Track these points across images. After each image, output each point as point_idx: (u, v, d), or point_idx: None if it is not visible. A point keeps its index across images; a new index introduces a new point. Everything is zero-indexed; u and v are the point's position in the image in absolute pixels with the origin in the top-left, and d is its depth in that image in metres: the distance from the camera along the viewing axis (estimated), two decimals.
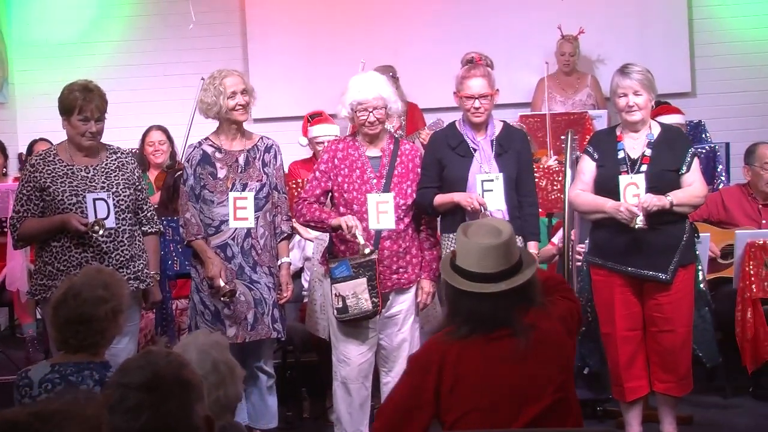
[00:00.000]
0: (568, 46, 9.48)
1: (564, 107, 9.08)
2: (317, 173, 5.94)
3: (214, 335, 3.88)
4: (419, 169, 5.94)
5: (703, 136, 8.97)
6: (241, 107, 5.95)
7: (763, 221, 7.27)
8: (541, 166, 7.44)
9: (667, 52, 9.86)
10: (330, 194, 5.91)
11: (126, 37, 10.31)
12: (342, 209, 5.82)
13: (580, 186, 5.87)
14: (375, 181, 5.84)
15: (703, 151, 8.04)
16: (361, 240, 5.64)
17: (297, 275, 7.14)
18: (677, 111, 8.21)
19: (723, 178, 8.22)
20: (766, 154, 7.41)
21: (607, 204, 5.65)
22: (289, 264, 6.17)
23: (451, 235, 5.74)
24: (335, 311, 5.78)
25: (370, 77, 6.00)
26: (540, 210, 6.50)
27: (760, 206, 7.38)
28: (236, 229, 5.91)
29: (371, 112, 5.79)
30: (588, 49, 9.95)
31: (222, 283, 5.78)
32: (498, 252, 3.79)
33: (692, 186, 5.72)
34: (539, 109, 9.21)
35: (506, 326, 3.74)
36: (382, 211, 5.76)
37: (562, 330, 3.85)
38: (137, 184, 5.93)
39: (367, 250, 5.65)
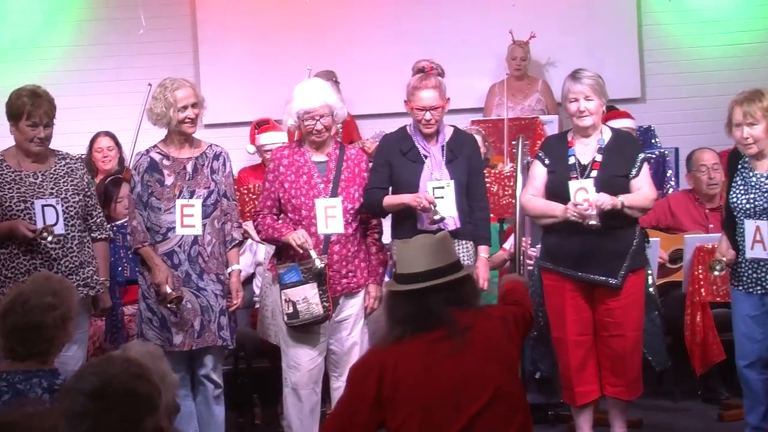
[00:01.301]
0: (519, 50, 9.50)
1: (513, 112, 9.10)
2: (266, 183, 5.94)
3: (149, 345, 3.87)
4: (365, 174, 5.95)
5: (653, 141, 9.03)
6: (190, 121, 5.92)
7: (710, 226, 7.33)
8: (494, 171, 7.46)
9: (617, 58, 9.90)
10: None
11: (75, 41, 10.20)
12: (290, 215, 5.83)
13: (531, 191, 5.89)
14: (322, 186, 5.83)
15: (653, 156, 8.09)
16: (314, 255, 5.66)
17: (249, 280, 7.12)
18: (627, 116, 8.26)
19: (672, 183, 8.29)
20: (700, 158, 7.50)
21: (558, 209, 5.67)
22: (240, 272, 6.14)
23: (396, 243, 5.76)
24: (285, 317, 5.77)
25: (316, 85, 6.00)
26: (491, 215, 6.51)
27: (707, 211, 7.44)
28: (183, 236, 5.88)
29: (318, 120, 5.79)
30: (538, 55, 9.99)
31: (169, 290, 5.75)
32: (427, 250, 3.83)
33: (641, 190, 5.76)
34: (491, 115, 9.23)
35: (441, 327, 3.74)
36: (331, 216, 5.76)
37: (502, 329, 3.86)
38: (86, 190, 5.89)
39: (320, 265, 5.66)
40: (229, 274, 6.02)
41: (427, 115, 5.84)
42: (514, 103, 9.30)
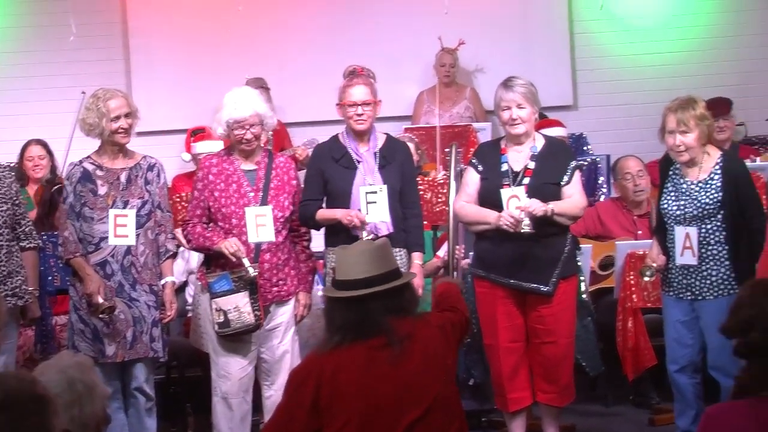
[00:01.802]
0: (448, 57, 9.52)
1: (442, 120, 9.13)
2: (195, 192, 5.92)
3: (78, 356, 3.82)
4: (294, 182, 5.95)
5: (585, 148, 9.10)
6: (123, 131, 5.88)
7: (639, 232, 7.39)
8: (427, 179, 7.47)
9: (550, 66, 9.97)
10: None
11: (4, 49, 10.08)
12: (221, 224, 5.80)
13: (464, 198, 5.90)
14: (252, 194, 5.81)
15: (585, 163, 8.15)
16: (246, 263, 5.64)
17: (181, 289, 7.07)
18: (559, 124, 8.32)
19: (604, 190, 8.35)
20: (625, 166, 7.56)
21: (490, 216, 5.68)
22: (174, 283, 6.11)
23: (335, 250, 5.74)
24: (216, 326, 5.74)
25: (245, 94, 5.97)
26: (425, 223, 6.52)
27: (635, 218, 7.50)
28: (116, 246, 5.83)
29: (248, 129, 5.77)
30: (470, 62, 10.03)
31: (100, 300, 5.69)
32: (367, 257, 3.82)
33: (572, 197, 5.79)
34: (419, 122, 9.24)
35: (380, 334, 3.73)
36: (261, 224, 5.74)
37: (441, 337, 3.85)
38: (14, 198, 5.82)
39: (253, 273, 5.64)
40: (163, 285, 5.98)
41: (359, 110, 5.86)
42: (443, 110, 9.32)
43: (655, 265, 5.83)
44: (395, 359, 3.70)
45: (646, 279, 5.93)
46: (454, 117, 9.26)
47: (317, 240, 6.09)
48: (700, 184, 5.70)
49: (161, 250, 5.98)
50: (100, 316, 5.72)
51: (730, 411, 3.36)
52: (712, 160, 5.72)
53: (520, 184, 5.73)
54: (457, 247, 6.38)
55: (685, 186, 5.74)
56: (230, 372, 5.81)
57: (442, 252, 6.91)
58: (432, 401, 3.71)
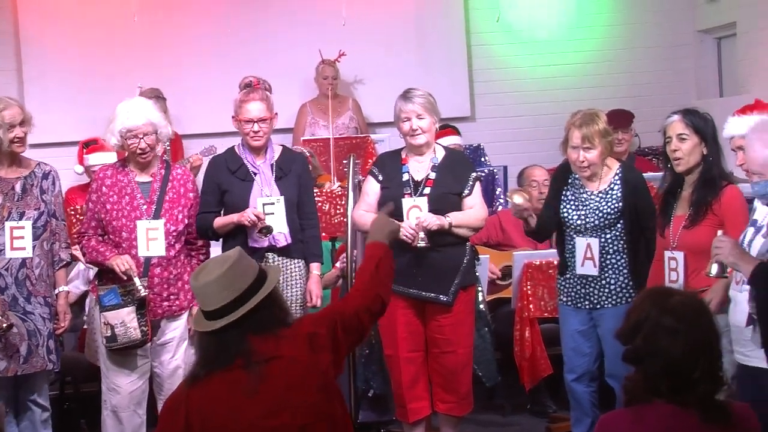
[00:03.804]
0: (330, 70, 9.52)
1: (328, 131, 9.14)
2: (89, 204, 5.84)
3: None
4: (192, 194, 5.89)
5: (483, 159, 9.15)
6: (19, 140, 5.79)
7: None
8: (324, 191, 7.45)
9: (447, 78, 10.02)
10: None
11: None
12: (111, 237, 5.73)
13: (364, 207, 5.90)
14: (145, 207, 5.74)
15: (483, 174, 8.20)
16: (137, 282, 5.58)
17: (82, 300, 6.95)
18: (454, 132, 8.35)
19: (501, 201, 8.40)
20: (531, 174, 7.65)
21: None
22: (67, 293, 6.02)
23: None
24: (104, 340, 5.68)
25: (138, 103, 5.90)
26: (323, 234, 6.50)
27: None
28: (10, 259, 5.72)
29: (142, 138, 5.70)
30: (366, 73, 10.07)
31: None
32: (220, 283, 3.65)
33: (473, 209, 5.82)
34: (302, 135, 9.22)
35: (239, 362, 3.59)
36: (152, 238, 5.68)
37: (307, 349, 3.68)
38: None
39: (143, 293, 5.59)
40: (57, 295, 5.89)
41: (255, 127, 5.84)
42: (328, 121, 9.34)
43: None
44: (255, 387, 3.56)
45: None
46: (340, 128, 9.25)
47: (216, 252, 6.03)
48: (600, 195, 5.76)
49: (55, 260, 5.89)
50: None
51: (619, 418, 3.40)
52: (611, 171, 5.80)
53: (421, 195, 5.75)
54: (356, 251, 6.37)
55: (585, 196, 5.80)
56: (119, 385, 5.75)
57: (340, 263, 6.90)
58: (308, 420, 3.59)
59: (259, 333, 3.63)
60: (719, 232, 4.57)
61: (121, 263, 5.59)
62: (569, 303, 5.89)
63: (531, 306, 6.88)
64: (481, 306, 6.63)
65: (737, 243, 4.42)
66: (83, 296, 6.97)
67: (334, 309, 3.93)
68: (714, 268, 4.47)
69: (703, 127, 5.27)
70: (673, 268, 5.29)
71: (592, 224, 5.75)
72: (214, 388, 3.60)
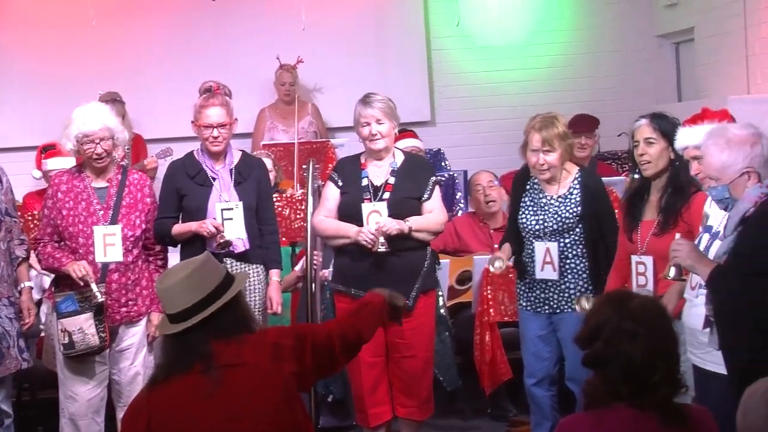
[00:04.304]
0: (288, 75, 9.52)
1: (287, 136, 9.13)
2: (45, 210, 5.81)
3: None
4: (149, 199, 5.86)
5: (443, 164, 9.16)
6: None
7: (495, 246, 7.44)
8: (284, 195, 7.44)
9: (408, 83, 10.04)
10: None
11: None
12: (68, 243, 5.69)
13: (323, 212, 5.89)
14: (102, 212, 5.71)
15: (443, 178, 8.21)
16: (94, 288, 5.55)
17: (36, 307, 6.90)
18: (413, 135, 8.34)
19: (462, 205, 8.41)
20: (476, 179, 7.69)
21: (350, 230, 5.68)
22: (31, 288, 6.00)
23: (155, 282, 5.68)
24: (61, 347, 5.64)
25: (95, 108, 5.86)
26: (283, 239, 6.48)
27: (492, 231, 7.58)
28: None
29: (98, 143, 5.67)
30: (324, 78, 10.08)
31: None
32: (184, 285, 3.64)
33: (432, 213, 5.82)
34: (261, 139, 9.21)
35: (199, 366, 3.58)
36: (109, 244, 5.65)
37: (270, 357, 3.66)
38: None
39: (101, 299, 5.56)
40: (20, 291, 5.85)
41: (215, 132, 5.82)
42: (287, 126, 9.35)
43: (504, 257, 5.86)
44: (214, 392, 3.54)
45: (494, 269, 5.88)
46: (299, 132, 9.23)
47: (174, 258, 6.00)
48: (559, 199, 5.78)
49: (13, 257, 5.85)
50: None
51: (579, 422, 3.41)
52: (570, 175, 5.82)
53: (381, 199, 5.75)
54: (315, 253, 6.35)
55: (544, 201, 5.82)
56: (78, 393, 5.72)
57: (299, 267, 6.90)
58: (269, 428, 3.58)
59: (221, 338, 3.61)
60: (677, 235, 4.61)
61: (77, 269, 5.55)
62: (529, 308, 5.91)
63: (491, 310, 6.89)
64: (442, 310, 6.64)
65: (695, 246, 4.45)
66: (37, 304, 6.92)
67: (308, 327, 4.02)
68: (672, 271, 4.50)
69: (671, 131, 5.27)
70: (642, 272, 5.31)
71: (550, 229, 5.76)
72: (174, 391, 3.59)
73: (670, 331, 3.39)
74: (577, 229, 5.75)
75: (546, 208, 5.80)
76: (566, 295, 5.77)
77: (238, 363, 3.59)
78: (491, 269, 5.89)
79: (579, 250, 5.76)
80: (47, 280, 6.85)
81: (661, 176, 5.34)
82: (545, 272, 5.79)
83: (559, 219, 5.75)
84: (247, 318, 3.74)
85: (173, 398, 3.58)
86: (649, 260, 5.28)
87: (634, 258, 5.35)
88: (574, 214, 5.74)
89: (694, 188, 5.21)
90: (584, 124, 8.14)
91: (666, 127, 5.31)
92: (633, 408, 3.29)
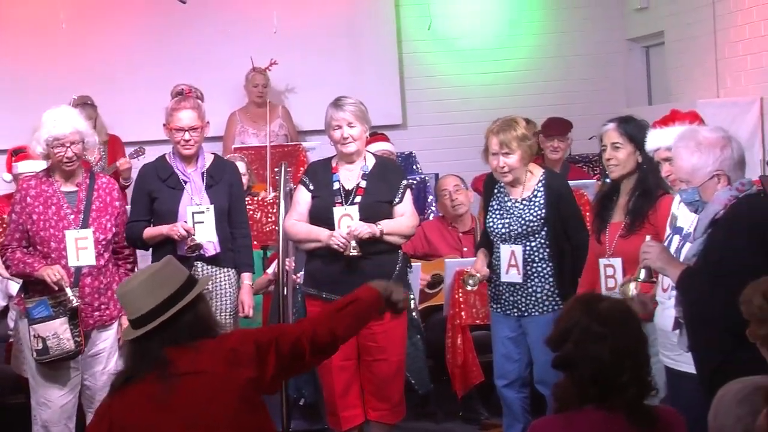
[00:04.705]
0: (260, 78, 9.50)
1: (257, 139, 9.12)
2: (13, 215, 5.77)
3: None
4: (117, 203, 5.86)
5: (414, 167, 9.18)
6: None
7: (464, 249, 7.48)
8: (256, 199, 7.43)
9: (379, 86, 10.05)
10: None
11: None
12: (39, 248, 5.67)
13: (295, 216, 5.88)
14: (72, 216, 5.70)
15: (414, 182, 8.22)
16: (69, 292, 5.53)
17: (2, 314, 6.87)
18: (384, 138, 8.34)
19: (433, 209, 8.42)
20: (442, 184, 7.71)
21: (322, 234, 5.68)
22: None
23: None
24: (34, 353, 5.61)
25: (65, 111, 5.84)
26: (255, 242, 6.48)
27: (460, 235, 7.59)
28: None
29: (69, 147, 5.65)
30: (295, 81, 10.08)
31: None
32: (144, 289, 3.60)
33: (404, 216, 5.83)
34: (232, 143, 9.19)
35: (155, 373, 3.53)
36: (82, 248, 5.63)
37: (225, 363, 3.58)
38: None
39: (76, 303, 5.54)
40: None
41: (186, 136, 5.82)
42: (258, 129, 9.33)
43: (478, 274, 5.88)
44: (171, 398, 3.50)
45: (469, 288, 5.94)
46: (269, 135, 9.23)
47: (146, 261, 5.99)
48: (524, 202, 5.80)
49: None
50: None
51: (549, 425, 3.43)
52: (535, 178, 5.83)
53: (352, 203, 5.74)
54: (287, 259, 6.35)
55: (509, 204, 5.83)
56: (50, 400, 5.69)
57: (271, 269, 6.89)
58: (226, 429, 3.53)
59: (178, 344, 3.57)
60: (647, 237, 4.63)
61: (52, 273, 5.52)
62: (499, 310, 5.92)
63: (463, 313, 6.90)
64: (414, 314, 6.64)
65: (665, 248, 4.48)
66: (4, 310, 6.89)
67: (278, 328, 3.87)
68: (642, 273, 4.53)
69: (638, 135, 5.30)
70: (610, 275, 5.33)
71: (515, 232, 5.77)
72: (132, 398, 3.57)
73: (638, 332, 3.41)
74: (543, 233, 5.76)
75: (511, 211, 5.81)
76: (533, 298, 5.78)
77: (193, 371, 3.54)
78: (468, 288, 5.91)
79: (545, 253, 5.77)
80: (13, 286, 6.80)
81: (629, 179, 5.37)
82: (510, 275, 5.79)
83: (523, 222, 5.76)
84: (207, 323, 3.69)
85: (133, 405, 3.56)
86: (617, 262, 5.30)
87: (602, 261, 5.38)
88: (539, 217, 5.75)
89: (661, 191, 5.26)
90: (557, 128, 8.17)
91: (633, 131, 5.35)
92: (602, 410, 3.30)
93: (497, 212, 5.87)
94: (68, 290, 5.53)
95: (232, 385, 3.56)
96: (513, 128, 5.73)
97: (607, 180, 5.55)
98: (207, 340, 3.62)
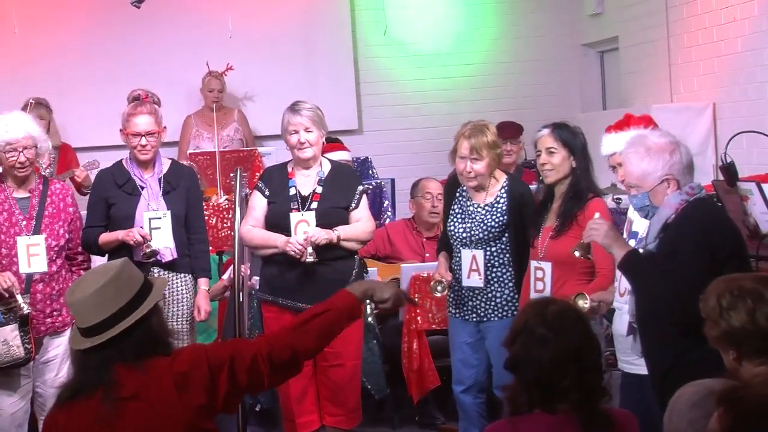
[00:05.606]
0: (216, 82, 9.47)
1: (212, 143, 9.10)
2: None
3: None
4: (71, 209, 5.84)
5: (370, 172, 9.19)
6: None
7: (427, 254, 7.49)
8: (211, 204, 7.41)
9: (335, 90, 10.06)
10: None
11: None
12: None
13: (251, 221, 5.86)
14: (24, 223, 5.68)
15: (370, 186, 8.22)
16: (20, 299, 5.51)
17: None
18: (343, 147, 8.35)
19: (389, 214, 8.44)
20: (426, 186, 7.71)
21: (279, 240, 5.67)
22: None
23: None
24: None
25: (18, 117, 5.81)
26: (210, 248, 6.46)
27: (424, 240, 7.61)
28: None
29: (21, 152, 5.62)
30: (252, 86, 10.07)
31: None
32: (96, 298, 3.43)
33: (360, 222, 5.83)
34: (187, 147, 9.16)
35: (100, 392, 3.39)
36: (33, 254, 5.60)
37: (173, 389, 3.41)
38: None
39: (27, 311, 5.52)
40: None
41: (143, 141, 5.80)
42: (213, 133, 9.29)
43: (444, 281, 5.88)
44: (114, 422, 3.37)
45: (438, 294, 5.94)
46: (224, 140, 9.20)
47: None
48: (486, 207, 5.81)
49: None
50: None
51: (498, 429, 3.44)
52: (498, 183, 5.85)
53: (308, 209, 5.73)
54: (243, 266, 6.33)
55: (471, 208, 5.84)
56: (1, 407, 5.66)
57: (227, 275, 6.86)
58: None
59: (126, 362, 3.42)
60: (596, 215, 4.70)
61: (2, 280, 5.49)
62: (458, 315, 5.93)
63: (418, 318, 6.91)
64: (370, 319, 6.60)
65: (613, 227, 4.51)
66: None
67: (234, 347, 3.60)
68: (581, 249, 4.61)
69: (572, 140, 5.42)
70: (540, 278, 5.39)
71: (477, 237, 5.79)
72: (79, 416, 3.45)
73: (584, 337, 3.40)
74: (504, 238, 5.78)
75: (473, 216, 5.83)
76: (493, 303, 5.80)
77: (141, 396, 3.40)
78: (436, 294, 5.91)
79: (505, 258, 5.79)
80: None
81: (563, 183, 5.45)
82: (471, 280, 5.80)
83: (485, 227, 5.78)
84: (159, 338, 3.53)
85: (79, 424, 3.44)
86: (547, 266, 5.37)
87: (533, 263, 5.45)
88: (500, 222, 5.77)
89: (591, 194, 5.35)
90: (509, 131, 8.21)
91: (567, 136, 5.44)
92: (551, 414, 3.32)
93: (459, 216, 5.88)
94: (19, 297, 5.50)
95: (180, 414, 3.41)
96: (484, 134, 5.73)
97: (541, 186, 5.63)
98: (158, 358, 3.47)
